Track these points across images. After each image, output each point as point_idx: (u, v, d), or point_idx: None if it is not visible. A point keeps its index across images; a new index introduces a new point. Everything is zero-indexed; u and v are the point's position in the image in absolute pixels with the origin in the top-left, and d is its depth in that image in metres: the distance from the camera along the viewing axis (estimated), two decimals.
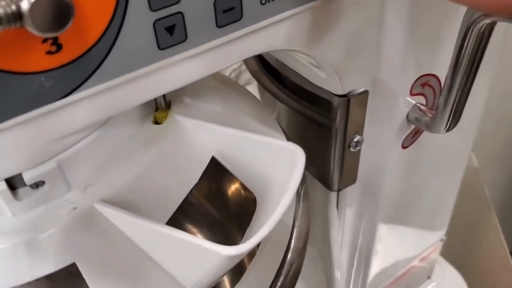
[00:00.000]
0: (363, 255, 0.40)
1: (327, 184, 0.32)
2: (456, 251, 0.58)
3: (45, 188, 0.18)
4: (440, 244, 0.49)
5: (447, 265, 0.56)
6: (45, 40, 0.15)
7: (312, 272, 0.38)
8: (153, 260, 0.19)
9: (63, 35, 0.15)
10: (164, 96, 0.22)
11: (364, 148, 0.31)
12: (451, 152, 0.36)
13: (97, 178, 0.19)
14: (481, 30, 0.21)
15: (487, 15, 0.20)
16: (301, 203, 0.27)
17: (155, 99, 0.22)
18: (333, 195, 0.33)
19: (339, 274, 0.36)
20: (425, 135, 0.33)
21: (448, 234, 0.48)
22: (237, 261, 0.18)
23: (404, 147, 0.32)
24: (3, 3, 0.12)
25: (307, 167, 0.20)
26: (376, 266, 0.41)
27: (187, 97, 0.24)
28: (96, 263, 0.18)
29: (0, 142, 0.16)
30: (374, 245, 0.39)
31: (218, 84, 0.28)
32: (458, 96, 0.26)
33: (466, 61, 0.23)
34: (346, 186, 0.32)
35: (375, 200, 0.35)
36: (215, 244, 0.17)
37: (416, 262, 0.47)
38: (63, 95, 0.17)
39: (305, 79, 0.29)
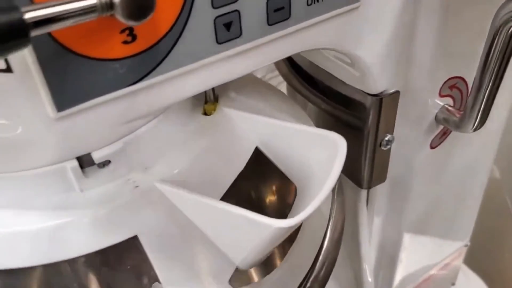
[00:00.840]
0: (388, 257, 0.41)
1: (358, 182, 0.33)
2: (479, 261, 0.59)
3: (110, 167, 0.20)
4: (463, 250, 0.49)
5: (470, 272, 0.56)
6: (122, 31, 0.17)
7: (342, 272, 0.40)
8: (205, 236, 0.20)
9: (138, 27, 0.17)
10: (213, 89, 0.24)
11: (394, 147, 0.32)
12: (476, 155, 0.37)
13: (156, 160, 0.21)
14: (509, 32, 0.23)
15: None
16: (336, 197, 0.29)
17: (205, 92, 0.24)
18: (363, 193, 0.34)
19: (367, 270, 0.37)
20: (452, 137, 0.34)
21: (471, 243, 0.49)
22: (285, 235, 0.19)
23: (432, 147, 0.33)
24: None
25: None
26: (400, 269, 0.42)
27: (232, 92, 0.26)
28: (155, 236, 0.20)
29: (76, 123, 0.18)
30: (400, 248, 0.40)
31: (257, 84, 0.30)
32: (486, 96, 0.27)
33: (494, 61, 0.25)
34: (376, 184, 0.34)
35: (403, 200, 0.36)
36: (267, 217, 0.18)
37: (439, 268, 0.47)
38: (133, 82, 0.18)
39: (338, 81, 0.31)
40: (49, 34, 0.16)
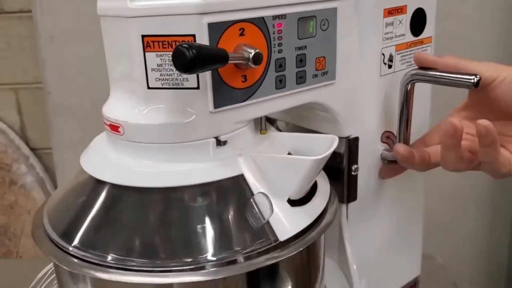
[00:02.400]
0: (367, 266, 0.59)
1: (340, 198, 0.54)
2: None
3: (227, 145, 0.41)
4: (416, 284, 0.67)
5: None
6: (242, 76, 0.40)
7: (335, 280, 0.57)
8: (272, 177, 0.41)
9: (247, 75, 0.40)
10: (265, 124, 0.47)
11: (359, 176, 0.54)
12: (411, 184, 0.59)
13: (245, 146, 0.43)
14: (408, 89, 0.48)
15: (411, 80, 0.47)
16: (333, 198, 0.49)
17: (260, 124, 0.46)
18: (344, 207, 0.55)
19: (355, 270, 0.55)
20: None
21: None
22: (317, 169, 0.40)
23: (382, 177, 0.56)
24: (245, 53, 0.38)
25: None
26: (376, 281, 0.60)
27: (272, 128, 0.48)
28: (252, 174, 0.40)
29: (219, 116, 0.40)
30: (373, 260, 0.58)
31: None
32: (405, 135, 0.51)
33: (405, 110, 0.49)
34: (351, 201, 0.54)
35: (368, 217, 0.56)
36: (305, 156, 0.39)
37: None
38: (242, 101, 0.41)
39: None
40: (217, 70, 0.39)
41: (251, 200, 0.39)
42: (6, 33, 1.15)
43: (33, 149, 1.25)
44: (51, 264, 0.63)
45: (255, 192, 0.40)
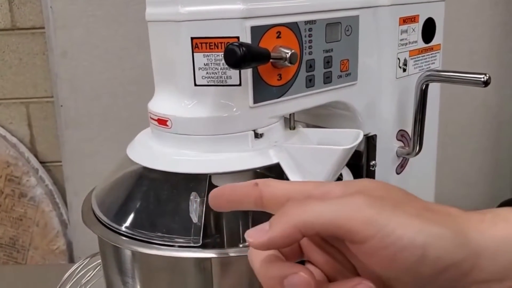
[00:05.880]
0: None
1: None
2: None
3: (263, 137, 0.45)
4: None
5: None
6: (277, 75, 0.45)
7: None
8: (304, 165, 0.45)
9: (282, 74, 0.45)
10: (294, 121, 0.51)
11: (377, 171, 0.58)
12: (424, 177, 0.64)
13: (278, 138, 0.47)
14: (423, 88, 0.52)
15: (426, 80, 0.52)
16: None
17: (290, 121, 0.51)
18: None
19: None
20: (409, 167, 0.61)
21: None
22: (346, 156, 0.44)
23: (397, 173, 0.60)
24: (283, 53, 0.42)
25: None
26: None
27: (300, 125, 0.52)
28: (287, 162, 0.44)
29: (258, 111, 0.44)
30: None
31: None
32: (419, 131, 0.55)
33: (420, 109, 0.54)
34: None
35: None
36: (335, 146, 0.43)
37: None
38: (278, 97, 0.45)
39: None
40: (256, 68, 0.43)
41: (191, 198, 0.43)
42: (18, 49, 1.19)
43: (42, 162, 1.28)
44: (75, 266, 0.66)
45: (290, 178, 0.44)
